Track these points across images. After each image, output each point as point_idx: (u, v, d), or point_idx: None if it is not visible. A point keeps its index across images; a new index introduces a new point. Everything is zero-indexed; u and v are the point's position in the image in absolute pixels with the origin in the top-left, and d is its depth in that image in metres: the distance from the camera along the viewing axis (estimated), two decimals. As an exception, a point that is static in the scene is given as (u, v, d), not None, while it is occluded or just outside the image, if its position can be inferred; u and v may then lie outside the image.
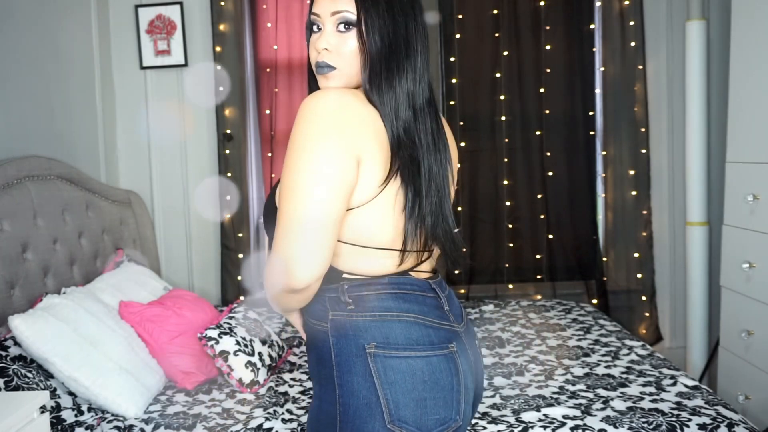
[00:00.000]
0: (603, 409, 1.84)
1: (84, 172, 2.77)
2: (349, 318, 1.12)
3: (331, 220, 1.04)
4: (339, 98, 1.08)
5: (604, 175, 3.33)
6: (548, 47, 3.27)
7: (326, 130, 1.05)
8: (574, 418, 1.78)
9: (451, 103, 3.28)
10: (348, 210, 1.09)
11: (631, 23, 3.19)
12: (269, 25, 3.27)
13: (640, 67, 3.21)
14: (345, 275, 1.14)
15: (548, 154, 3.31)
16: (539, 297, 3.37)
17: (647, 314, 3.31)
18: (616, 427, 1.71)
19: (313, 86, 1.23)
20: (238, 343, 2.18)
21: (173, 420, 1.91)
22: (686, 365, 3.17)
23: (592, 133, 3.31)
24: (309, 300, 1.13)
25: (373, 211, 1.11)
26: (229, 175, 3.26)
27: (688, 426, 1.70)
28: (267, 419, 1.87)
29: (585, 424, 1.74)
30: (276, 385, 2.18)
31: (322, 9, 1.15)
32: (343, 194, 1.05)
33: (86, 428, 1.82)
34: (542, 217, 3.32)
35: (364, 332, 1.10)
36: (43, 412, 1.47)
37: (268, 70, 3.30)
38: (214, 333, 2.18)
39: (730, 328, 2.57)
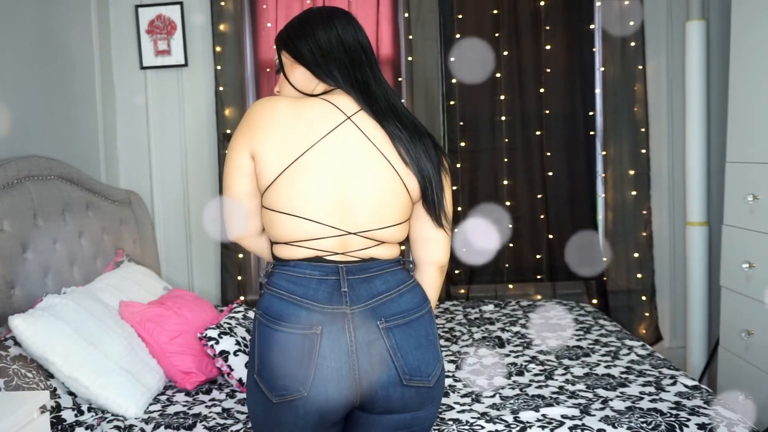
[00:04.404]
0: (602, 409, 1.84)
1: (84, 172, 2.77)
2: (264, 290, 1.34)
3: (240, 193, 1.35)
4: (259, 104, 1.34)
5: (604, 175, 3.33)
6: (548, 47, 3.27)
7: (238, 130, 1.35)
8: (572, 417, 1.78)
9: (451, 103, 3.28)
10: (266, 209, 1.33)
11: (631, 23, 3.19)
12: (269, 25, 3.27)
13: (640, 67, 3.21)
14: (275, 258, 1.37)
15: (548, 154, 3.31)
16: (539, 297, 3.37)
17: (647, 314, 3.31)
18: (615, 427, 1.71)
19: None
20: (238, 343, 2.18)
21: (173, 420, 1.91)
22: (686, 365, 3.17)
23: (592, 133, 3.31)
24: (259, 252, 1.46)
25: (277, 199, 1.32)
26: (229, 175, 3.25)
27: (687, 426, 1.70)
28: (267, 419, 1.88)
29: (584, 424, 1.74)
30: (276, 385, 2.18)
31: None
32: (243, 176, 1.33)
33: (86, 428, 1.83)
34: (542, 217, 3.32)
35: (260, 302, 1.33)
36: (43, 412, 1.47)
37: (268, 70, 3.30)
38: (214, 333, 2.18)
39: (730, 328, 2.57)
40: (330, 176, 1.29)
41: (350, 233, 1.31)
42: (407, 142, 1.32)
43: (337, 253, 1.31)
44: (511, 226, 3.33)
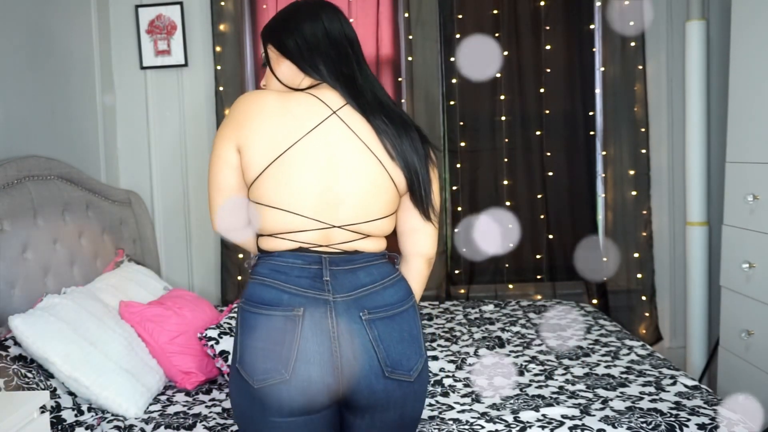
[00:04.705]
0: (602, 409, 1.84)
1: (84, 172, 2.77)
2: (249, 280, 1.35)
3: (225, 186, 1.35)
4: (245, 98, 1.34)
5: (604, 175, 3.33)
6: (548, 47, 3.27)
7: (225, 123, 1.35)
8: (572, 417, 1.78)
9: (451, 103, 3.28)
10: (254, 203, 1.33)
11: (631, 23, 3.19)
12: (269, 25, 3.27)
13: (640, 67, 3.21)
14: (260, 251, 1.37)
15: (548, 154, 3.31)
16: (539, 297, 3.37)
17: (647, 314, 3.31)
18: (614, 427, 1.71)
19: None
20: (237, 343, 2.18)
21: (173, 420, 1.91)
22: (686, 365, 3.17)
23: (592, 133, 3.32)
24: (244, 245, 1.46)
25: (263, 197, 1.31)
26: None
27: (687, 426, 1.70)
28: (267, 419, 1.87)
29: (584, 424, 1.74)
30: (276, 385, 2.17)
31: None
32: (229, 169, 1.33)
33: (86, 428, 1.83)
34: (542, 217, 3.33)
35: (244, 291, 1.34)
36: (43, 412, 1.47)
37: (268, 70, 3.30)
38: (214, 333, 2.19)
39: (730, 328, 2.57)
40: (316, 170, 1.29)
41: (334, 226, 1.31)
42: (393, 136, 1.32)
43: (320, 245, 1.32)
44: (511, 226, 3.33)
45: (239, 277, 3.28)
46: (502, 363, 2.28)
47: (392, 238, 1.45)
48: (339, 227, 1.31)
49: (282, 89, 1.38)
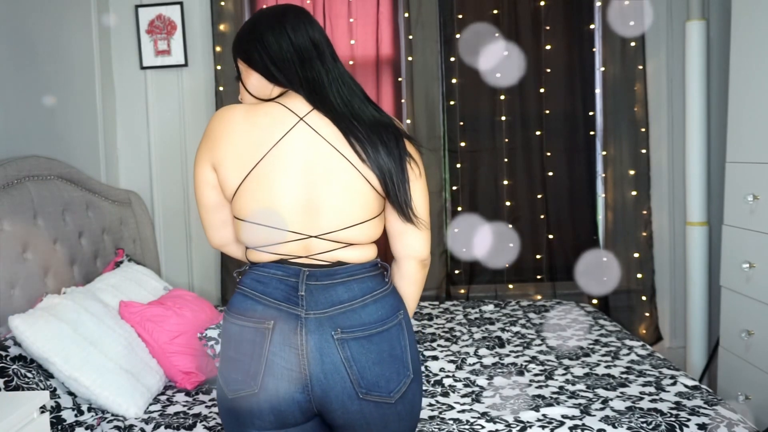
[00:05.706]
0: (602, 409, 1.84)
1: (84, 172, 2.77)
2: (235, 290, 1.37)
3: (210, 205, 1.37)
4: (216, 116, 1.34)
5: (604, 175, 3.33)
6: (548, 47, 3.27)
7: (200, 143, 1.34)
8: (573, 417, 1.78)
9: (451, 103, 3.28)
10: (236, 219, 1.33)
11: (631, 23, 3.19)
12: (269, 25, 3.26)
13: (640, 67, 3.21)
14: (248, 261, 1.38)
15: (548, 154, 3.32)
16: (539, 297, 3.37)
17: (647, 314, 3.31)
18: (615, 427, 1.71)
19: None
20: (237, 343, 2.18)
21: (173, 420, 1.91)
22: (686, 365, 3.17)
23: (592, 133, 3.32)
24: (240, 256, 1.45)
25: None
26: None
27: (687, 426, 1.70)
28: (267, 419, 1.87)
29: (584, 424, 1.74)
30: (276, 385, 2.17)
31: None
32: (209, 188, 1.34)
33: (86, 428, 1.83)
34: (542, 217, 3.33)
35: (230, 300, 1.36)
36: (43, 412, 1.47)
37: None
38: (214, 333, 2.18)
39: (730, 328, 2.57)
40: (289, 180, 1.26)
41: (311, 236, 1.28)
42: (363, 137, 1.27)
43: (301, 256, 1.29)
44: (511, 227, 3.33)
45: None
46: (502, 363, 2.28)
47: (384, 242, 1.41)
48: (317, 237, 1.28)
49: (255, 102, 1.36)
